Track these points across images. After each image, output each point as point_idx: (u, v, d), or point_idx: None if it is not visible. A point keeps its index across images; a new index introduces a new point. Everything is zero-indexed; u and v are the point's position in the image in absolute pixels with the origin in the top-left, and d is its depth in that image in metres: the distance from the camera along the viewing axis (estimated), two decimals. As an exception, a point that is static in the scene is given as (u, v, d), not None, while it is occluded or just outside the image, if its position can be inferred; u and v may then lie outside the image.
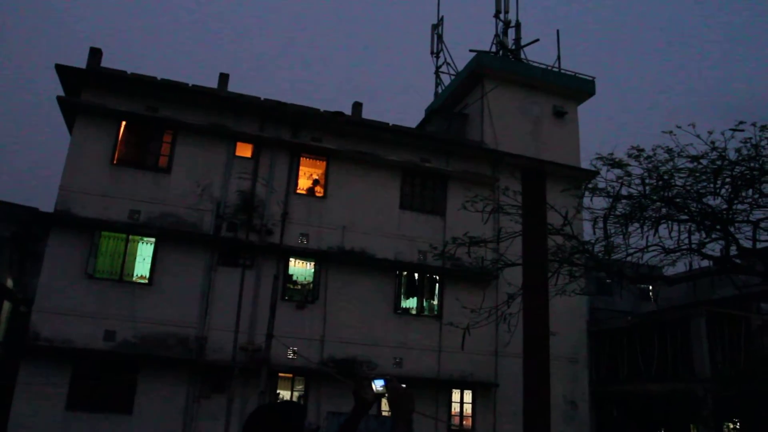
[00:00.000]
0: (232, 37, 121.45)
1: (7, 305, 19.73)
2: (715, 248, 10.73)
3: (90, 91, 16.65)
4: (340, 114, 18.55)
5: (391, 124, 19.15)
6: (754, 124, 9.18)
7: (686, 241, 10.49)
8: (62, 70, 16.25)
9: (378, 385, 2.70)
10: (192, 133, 17.19)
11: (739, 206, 10.14)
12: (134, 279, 16.10)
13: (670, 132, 9.50)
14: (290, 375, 16.72)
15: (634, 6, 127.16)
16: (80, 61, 16.93)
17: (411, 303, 18.46)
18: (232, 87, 18.13)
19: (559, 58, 23.40)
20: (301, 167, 18.23)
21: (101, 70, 16.81)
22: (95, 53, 16.99)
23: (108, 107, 16.45)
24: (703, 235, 10.50)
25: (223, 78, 18.17)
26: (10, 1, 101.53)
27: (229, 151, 17.47)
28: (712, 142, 9.53)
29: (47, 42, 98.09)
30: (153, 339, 15.56)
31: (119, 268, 15.88)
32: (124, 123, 16.85)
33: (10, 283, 19.62)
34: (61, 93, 16.82)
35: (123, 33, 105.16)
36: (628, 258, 11.01)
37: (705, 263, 11.88)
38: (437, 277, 18.68)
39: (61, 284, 15.21)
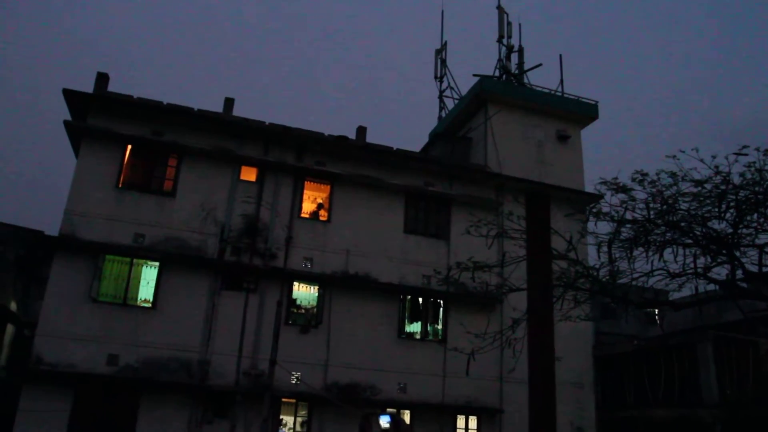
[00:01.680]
0: (238, 62, 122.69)
1: (10, 328, 19.70)
2: (720, 272, 10.68)
3: (96, 115, 16.79)
4: (344, 138, 18.65)
5: (395, 148, 19.22)
6: (757, 149, 9.21)
7: (691, 265, 10.46)
8: (69, 95, 16.41)
9: (384, 421, 2.68)
10: (197, 157, 17.29)
11: (745, 230, 10.12)
12: (138, 303, 16.06)
13: (674, 156, 9.54)
14: (293, 400, 16.57)
15: (638, 30, 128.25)
16: (87, 86, 17.11)
17: (415, 327, 18.35)
18: (237, 111, 18.28)
19: (561, 82, 23.55)
20: (305, 191, 18.27)
21: (108, 94, 16.96)
22: (102, 78, 17.15)
23: (114, 131, 16.57)
24: (709, 260, 10.47)
25: (228, 102, 18.33)
26: (19, 28, 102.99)
27: (234, 175, 17.54)
28: (716, 167, 9.55)
29: (55, 66, 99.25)
30: (156, 363, 15.48)
31: (123, 292, 15.86)
32: (129, 147, 16.96)
33: (13, 306, 19.62)
34: (68, 117, 16.97)
35: (130, 58, 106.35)
36: (634, 282, 10.97)
37: (711, 287, 11.81)
38: (441, 302, 18.59)
39: (64, 308, 15.18)
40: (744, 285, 10.97)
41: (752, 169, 9.42)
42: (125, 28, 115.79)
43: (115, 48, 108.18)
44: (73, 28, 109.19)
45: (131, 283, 16.02)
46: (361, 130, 19.48)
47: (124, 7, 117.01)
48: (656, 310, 29.20)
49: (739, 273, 10.21)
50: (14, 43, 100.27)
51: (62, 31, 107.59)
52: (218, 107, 18.37)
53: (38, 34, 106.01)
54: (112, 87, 17.23)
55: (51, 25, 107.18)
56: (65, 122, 16.58)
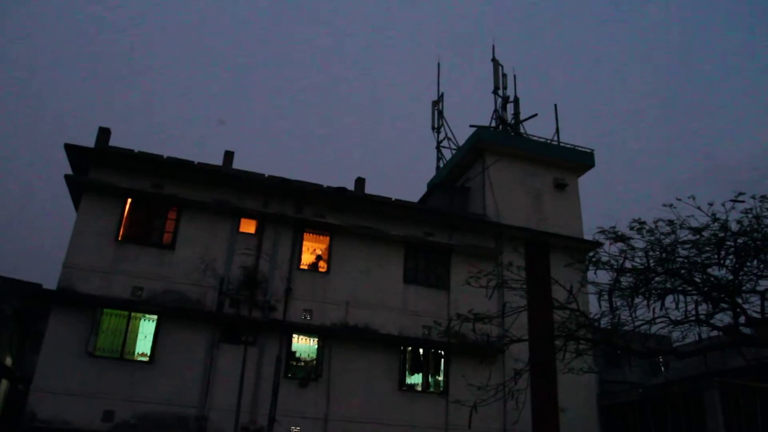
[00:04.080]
0: (236, 113, 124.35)
1: (4, 384, 19.40)
2: (723, 319, 10.62)
3: (97, 169, 16.93)
4: (342, 190, 18.77)
5: (393, 199, 19.33)
6: (753, 197, 9.28)
7: (693, 312, 10.40)
8: (71, 150, 16.58)
9: None
10: (196, 209, 17.36)
11: (745, 277, 10.11)
12: (135, 357, 15.86)
13: (671, 205, 9.60)
14: (293, 456, 16.21)
15: (631, 78, 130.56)
16: (87, 139, 17.29)
17: (416, 379, 18.09)
18: (237, 164, 18.45)
19: (557, 131, 23.87)
20: (304, 243, 18.27)
21: (109, 149, 17.14)
22: (104, 132, 17.38)
23: (114, 185, 16.69)
24: (710, 307, 10.42)
25: (228, 155, 18.52)
26: (19, 85, 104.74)
27: (233, 227, 17.58)
28: (713, 214, 9.61)
29: (55, 122, 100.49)
30: (152, 419, 15.18)
31: (120, 346, 15.67)
32: (129, 200, 17.05)
33: (8, 360, 19.37)
34: (69, 171, 17.09)
35: (128, 111, 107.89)
36: (636, 330, 10.88)
37: (715, 333, 11.72)
38: (442, 353, 18.37)
39: (60, 363, 14.98)
40: (747, 331, 10.89)
41: (749, 216, 9.48)
42: (126, 83, 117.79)
43: (114, 102, 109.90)
44: (74, 80, 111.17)
45: (128, 336, 15.85)
46: (360, 182, 19.63)
47: (123, 57, 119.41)
48: (660, 358, 28.81)
49: (741, 319, 10.15)
50: (14, 94, 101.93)
51: (62, 85, 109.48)
52: (218, 160, 18.54)
53: (37, 87, 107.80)
54: (114, 139, 17.44)
55: (51, 78, 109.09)
56: (66, 176, 16.71)
